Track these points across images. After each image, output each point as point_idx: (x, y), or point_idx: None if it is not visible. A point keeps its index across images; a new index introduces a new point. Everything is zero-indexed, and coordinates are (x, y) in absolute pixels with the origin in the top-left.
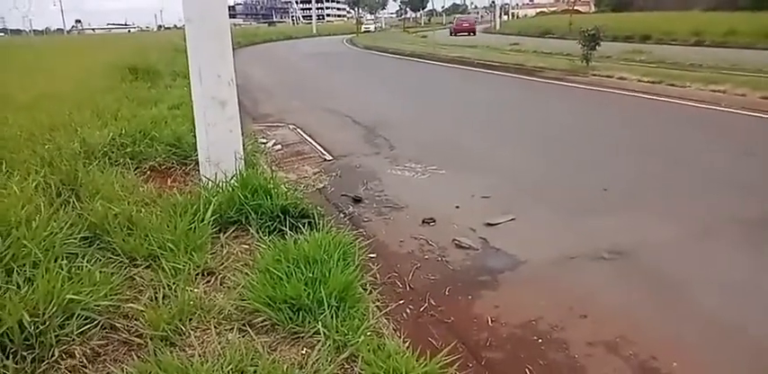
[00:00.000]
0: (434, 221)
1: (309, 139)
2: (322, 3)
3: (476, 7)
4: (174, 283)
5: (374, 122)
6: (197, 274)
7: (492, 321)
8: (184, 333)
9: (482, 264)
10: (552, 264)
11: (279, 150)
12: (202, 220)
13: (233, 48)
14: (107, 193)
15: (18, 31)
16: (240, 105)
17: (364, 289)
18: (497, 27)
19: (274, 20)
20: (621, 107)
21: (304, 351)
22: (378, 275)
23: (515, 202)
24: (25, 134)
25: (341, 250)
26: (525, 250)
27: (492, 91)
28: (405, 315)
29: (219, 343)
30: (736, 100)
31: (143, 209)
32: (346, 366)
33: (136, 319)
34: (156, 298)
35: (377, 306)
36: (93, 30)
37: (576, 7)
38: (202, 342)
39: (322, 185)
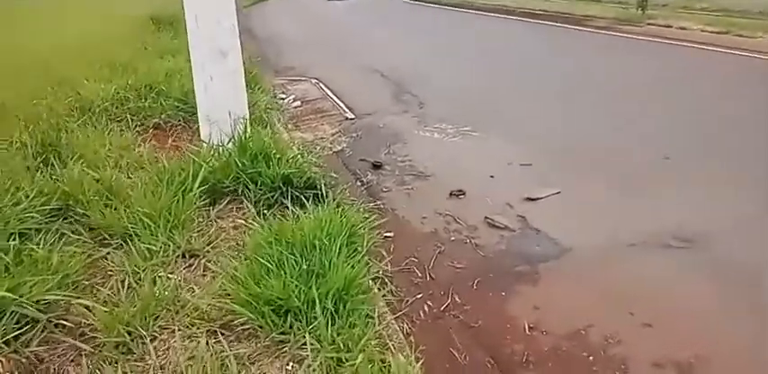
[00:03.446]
0: (464, 194)
1: (332, 95)
2: None
3: None
4: (143, 270)
5: (403, 78)
6: (177, 256)
7: (530, 328)
8: (146, 337)
9: (519, 250)
10: (605, 253)
11: (297, 107)
12: (191, 190)
13: None
14: (91, 155)
15: None
16: (263, 58)
17: (374, 281)
18: None
19: None
20: (684, 60)
21: (290, 367)
22: (391, 263)
23: (561, 172)
24: (27, 89)
25: (347, 232)
26: (572, 233)
27: (536, 43)
28: (422, 314)
29: (186, 352)
30: None
31: (132, 175)
32: None
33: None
34: (119, 289)
35: (388, 305)
36: None
37: None
38: (166, 350)
39: (340, 148)
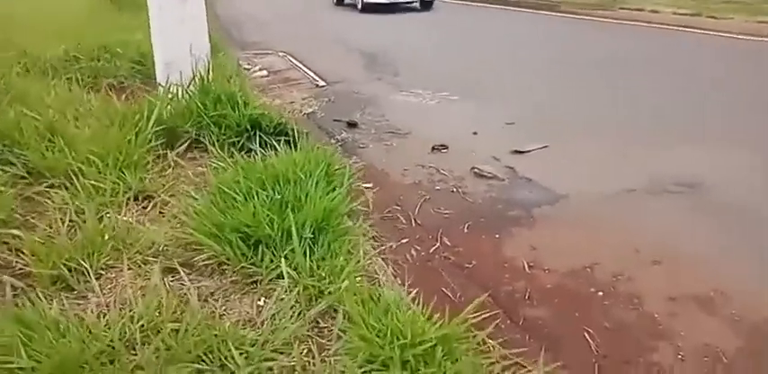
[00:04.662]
0: (447, 148)
1: (300, 65)
2: None
3: None
4: (88, 207)
5: (376, 50)
6: (128, 198)
7: (530, 266)
8: (89, 274)
9: (510, 197)
10: (602, 198)
11: (264, 76)
12: (145, 130)
13: None
14: (33, 101)
15: None
16: (227, 34)
17: (350, 217)
18: None
19: None
20: (658, 41)
21: (261, 302)
22: (372, 206)
23: (546, 130)
24: None
25: (323, 169)
26: (565, 182)
27: (509, 26)
28: (409, 257)
29: (137, 289)
30: None
31: (78, 121)
32: (321, 323)
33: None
34: (59, 226)
35: (371, 244)
36: None
37: None
38: (113, 287)
39: (311, 110)
